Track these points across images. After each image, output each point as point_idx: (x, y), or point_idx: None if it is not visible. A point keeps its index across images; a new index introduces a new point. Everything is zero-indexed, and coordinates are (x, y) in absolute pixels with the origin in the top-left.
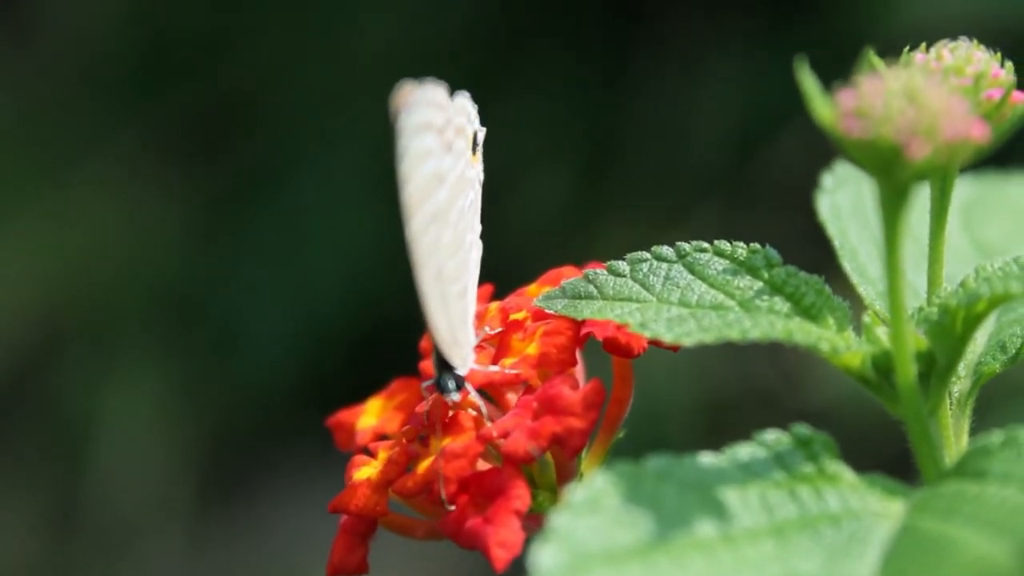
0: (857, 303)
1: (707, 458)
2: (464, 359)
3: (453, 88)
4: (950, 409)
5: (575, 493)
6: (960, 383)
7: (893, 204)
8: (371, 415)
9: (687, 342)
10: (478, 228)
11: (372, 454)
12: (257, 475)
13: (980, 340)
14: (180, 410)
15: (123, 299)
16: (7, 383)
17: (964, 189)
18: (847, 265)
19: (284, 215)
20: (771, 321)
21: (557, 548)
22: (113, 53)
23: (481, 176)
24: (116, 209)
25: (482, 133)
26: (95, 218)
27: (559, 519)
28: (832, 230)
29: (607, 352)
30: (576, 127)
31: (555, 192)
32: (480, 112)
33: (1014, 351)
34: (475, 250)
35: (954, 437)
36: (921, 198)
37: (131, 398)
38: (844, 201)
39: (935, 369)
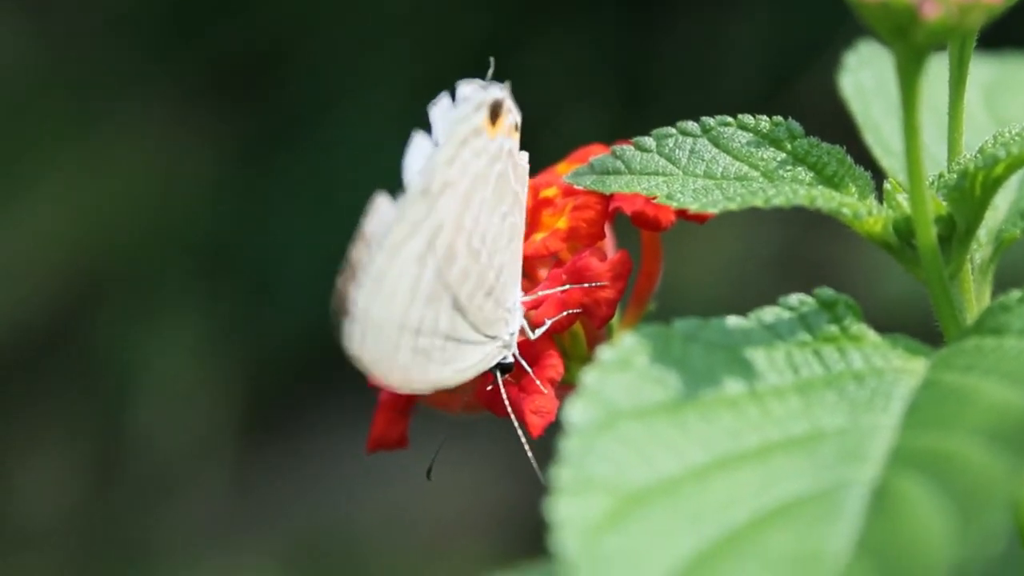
0: (881, 179)
1: (733, 320)
2: (507, 342)
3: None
4: (972, 275)
5: (605, 352)
6: (982, 249)
7: (909, 68)
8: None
9: (712, 210)
10: (510, 202)
11: None
12: (297, 418)
13: (1001, 207)
14: (219, 355)
15: (159, 246)
16: (47, 333)
17: (987, 69)
18: (870, 139)
19: (317, 159)
20: (794, 189)
21: (587, 404)
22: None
23: (507, 146)
24: (150, 156)
25: (510, 106)
26: (129, 165)
27: (589, 377)
28: (855, 107)
29: (636, 227)
30: (607, 67)
31: (589, 131)
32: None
33: None
34: (508, 226)
35: (976, 302)
36: (942, 72)
37: (170, 344)
38: (867, 80)
39: (955, 233)
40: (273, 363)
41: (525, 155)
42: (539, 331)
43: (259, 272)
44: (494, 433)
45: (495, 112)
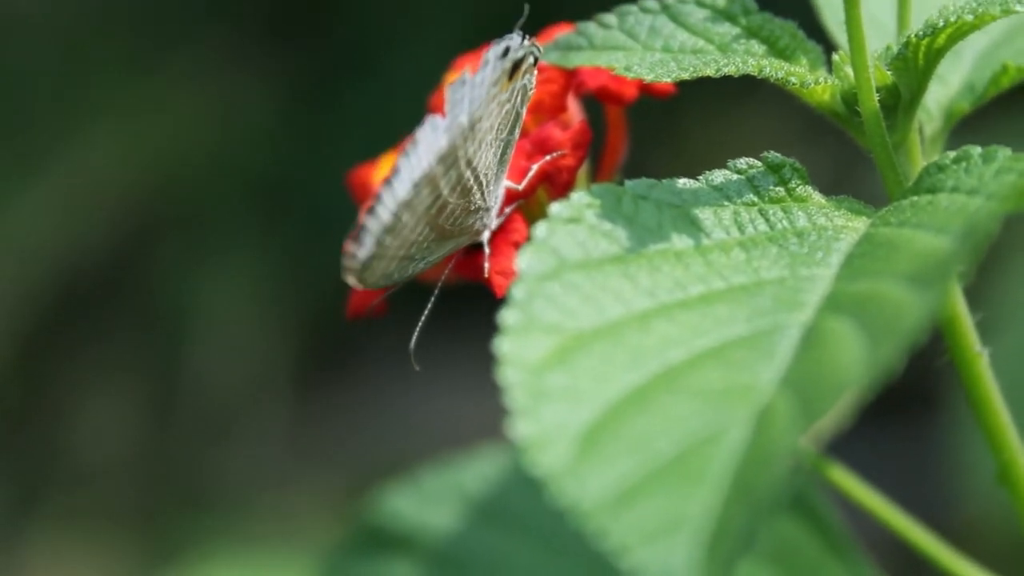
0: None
1: (683, 182)
2: (483, 227)
3: None
4: (922, 146)
5: (556, 207)
6: (932, 122)
7: None
8: (387, 167)
9: (667, 80)
10: (512, 126)
11: None
12: (354, 358)
13: (954, 82)
14: (275, 295)
15: (216, 187)
16: (104, 273)
17: None
18: (827, 18)
19: (374, 97)
20: (744, 59)
21: (536, 254)
22: None
23: (523, 82)
24: (207, 97)
25: (531, 62)
26: (186, 106)
27: (540, 229)
28: None
29: (600, 101)
30: None
31: None
32: None
33: (980, 90)
34: (504, 144)
35: None
36: None
37: (227, 284)
38: None
39: (900, 102)
40: (329, 301)
41: (534, 76)
42: (508, 209)
43: (316, 211)
44: None
45: (515, 68)
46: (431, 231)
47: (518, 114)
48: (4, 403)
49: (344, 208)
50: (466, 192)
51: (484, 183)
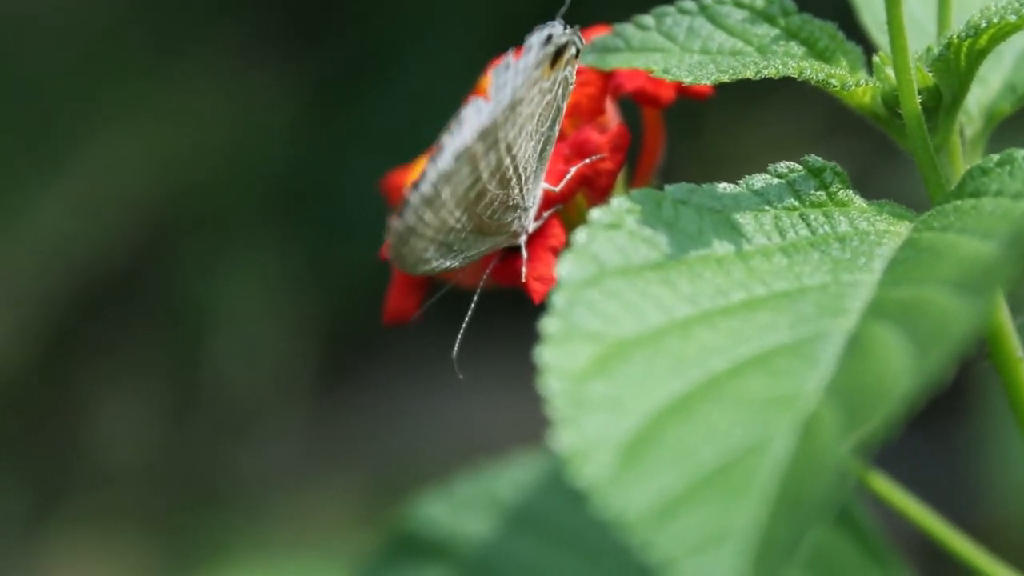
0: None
1: (724, 186)
2: (521, 229)
3: None
4: (962, 148)
5: (596, 213)
6: (972, 124)
7: None
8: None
9: (706, 82)
10: (552, 120)
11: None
12: (372, 359)
13: (994, 83)
14: (295, 296)
15: (235, 187)
16: (123, 275)
17: None
18: (866, 19)
19: (392, 98)
20: (784, 61)
21: (577, 260)
22: None
23: (564, 74)
24: (225, 98)
25: (573, 51)
26: (205, 107)
27: (580, 235)
28: None
29: (638, 103)
30: None
31: None
32: None
33: (1022, 91)
34: (544, 140)
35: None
36: None
37: (246, 285)
38: None
39: (941, 104)
40: (348, 302)
41: (575, 69)
42: (546, 214)
43: (334, 212)
44: None
45: (557, 55)
46: (469, 220)
47: (559, 109)
48: (24, 404)
49: (363, 209)
50: (505, 183)
51: (523, 177)
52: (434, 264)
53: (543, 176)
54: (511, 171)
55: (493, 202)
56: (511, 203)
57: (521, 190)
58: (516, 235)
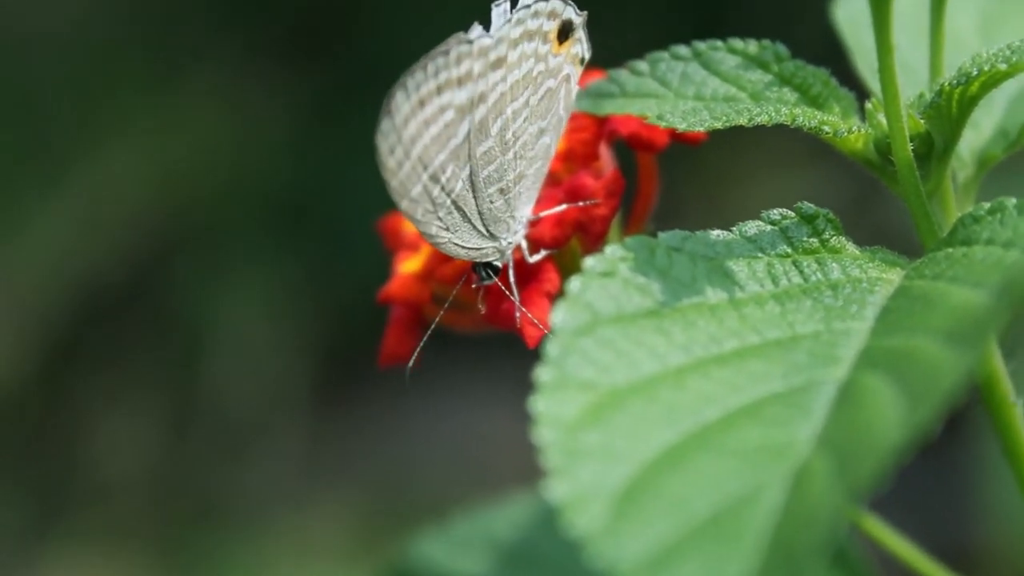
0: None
1: (717, 233)
2: (502, 248)
3: None
4: (954, 193)
5: (590, 261)
6: (965, 169)
7: None
8: None
9: (700, 129)
10: (553, 123)
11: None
12: (371, 374)
13: (987, 129)
14: (294, 310)
15: (234, 203)
16: (123, 289)
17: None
18: (860, 65)
19: None
20: (777, 108)
21: (570, 309)
22: None
23: (567, 71)
24: (224, 113)
25: (581, 35)
26: (205, 121)
27: (574, 283)
28: (847, 35)
29: (632, 148)
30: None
31: None
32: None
33: (1014, 136)
34: (541, 144)
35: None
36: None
37: (245, 300)
38: (859, 9)
39: (933, 150)
40: (346, 318)
41: (579, 73)
42: (535, 257)
43: (333, 227)
44: None
45: (564, 31)
46: (462, 170)
47: (559, 118)
48: (23, 418)
49: (363, 225)
50: (505, 145)
51: (516, 170)
52: (419, 212)
53: (533, 201)
54: (511, 135)
55: (492, 161)
56: (504, 182)
57: (510, 195)
58: (500, 252)
